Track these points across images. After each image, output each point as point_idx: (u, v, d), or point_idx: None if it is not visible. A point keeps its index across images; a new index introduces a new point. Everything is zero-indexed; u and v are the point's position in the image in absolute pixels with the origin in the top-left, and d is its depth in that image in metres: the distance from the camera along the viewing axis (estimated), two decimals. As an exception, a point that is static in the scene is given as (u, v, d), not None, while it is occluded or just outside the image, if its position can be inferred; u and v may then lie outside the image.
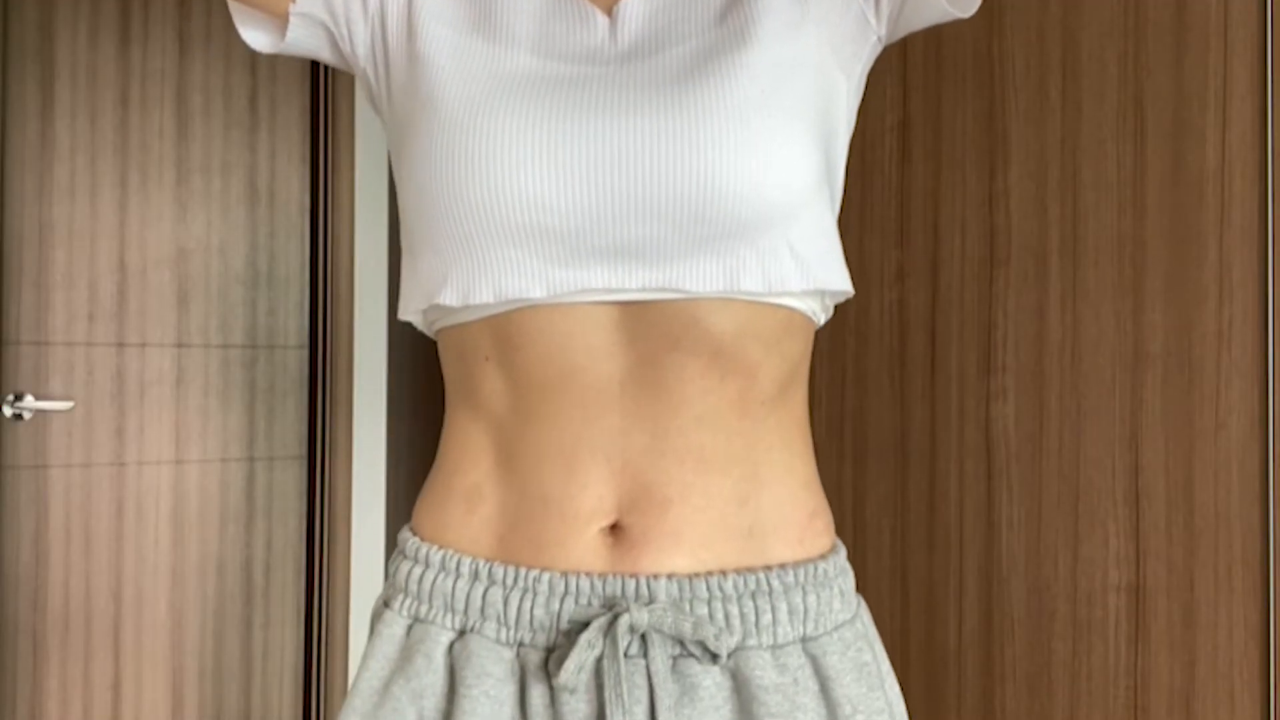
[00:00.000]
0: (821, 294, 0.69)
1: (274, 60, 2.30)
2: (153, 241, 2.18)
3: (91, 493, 2.12)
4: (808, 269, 0.66)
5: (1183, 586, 1.30)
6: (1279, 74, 1.23)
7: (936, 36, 1.63)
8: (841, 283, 0.69)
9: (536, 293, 0.63)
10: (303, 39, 0.74)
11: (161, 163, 2.20)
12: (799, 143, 0.65)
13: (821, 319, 0.72)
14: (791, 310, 0.68)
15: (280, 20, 0.74)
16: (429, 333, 0.74)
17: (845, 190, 0.77)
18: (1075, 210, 1.43)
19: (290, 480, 2.34)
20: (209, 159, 2.24)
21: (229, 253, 2.26)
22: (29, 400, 2.04)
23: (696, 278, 0.63)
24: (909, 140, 1.67)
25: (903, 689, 1.65)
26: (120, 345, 2.15)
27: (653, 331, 0.65)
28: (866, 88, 0.76)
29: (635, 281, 0.64)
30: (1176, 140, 1.32)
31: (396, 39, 0.72)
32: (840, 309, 1.79)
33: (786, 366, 0.69)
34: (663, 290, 0.64)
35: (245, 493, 2.28)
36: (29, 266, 2.07)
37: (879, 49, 0.74)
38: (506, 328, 0.66)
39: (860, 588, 1.72)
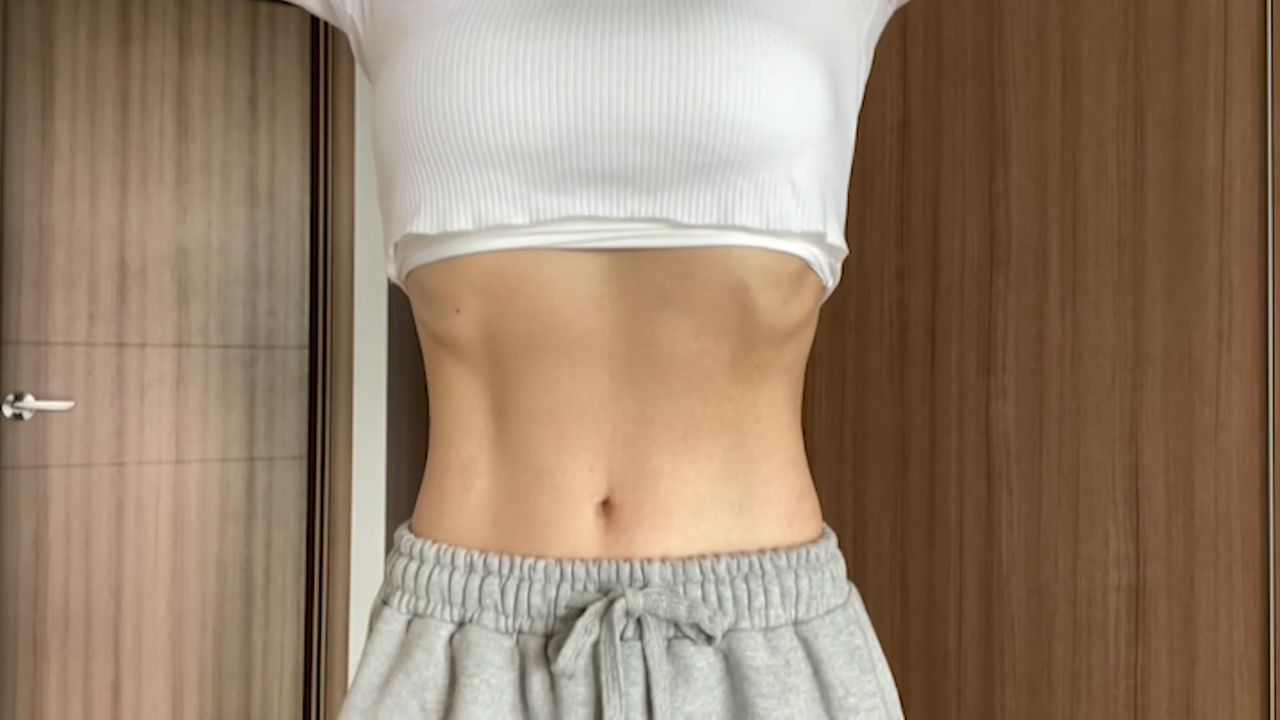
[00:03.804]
0: (825, 243, 0.65)
1: (274, 60, 2.30)
2: (153, 241, 2.18)
3: (91, 493, 2.12)
4: (809, 210, 0.62)
5: (1183, 586, 1.30)
6: (1279, 74, 1.22)
7: (936, 36, 1.63)
8: (840, 238, 0.66)
9: (518, 218, 0.60)
10: None
11: (161, 163, 2.20)
12: (807, 75, 0.61)
13: (830, 282, 0.69)
14: (795, 259, 0.64)
15: None
16: (400, 282, 0.70)
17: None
18: (1075, 210, 1.43)
19: (290, 480, 2.34)
20: (209, 159, 2.24)
21: (229, 253, 2.26)
22: (29, 400, 2.04)
23: (688, 208, 0.60)
24: (909, 140, 1.67)
25: (903, 689, 1.65)
26: (120, 345, 2.15)
27: (644, 284, 0.62)
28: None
29: (623, 210, 0.60)
30: (1176, 140, 1.32)
31: None
32: (840, 309, 1.79)
33: (787, 326, 0.66)
34: (651, 221, 0.60)
35: (245, 493, 2.28)
36: (29, 266, 2.07)
37: (888, 9, 0.72)
38: (486, 274, 0.63)
39: (860, 588, 1.73)
